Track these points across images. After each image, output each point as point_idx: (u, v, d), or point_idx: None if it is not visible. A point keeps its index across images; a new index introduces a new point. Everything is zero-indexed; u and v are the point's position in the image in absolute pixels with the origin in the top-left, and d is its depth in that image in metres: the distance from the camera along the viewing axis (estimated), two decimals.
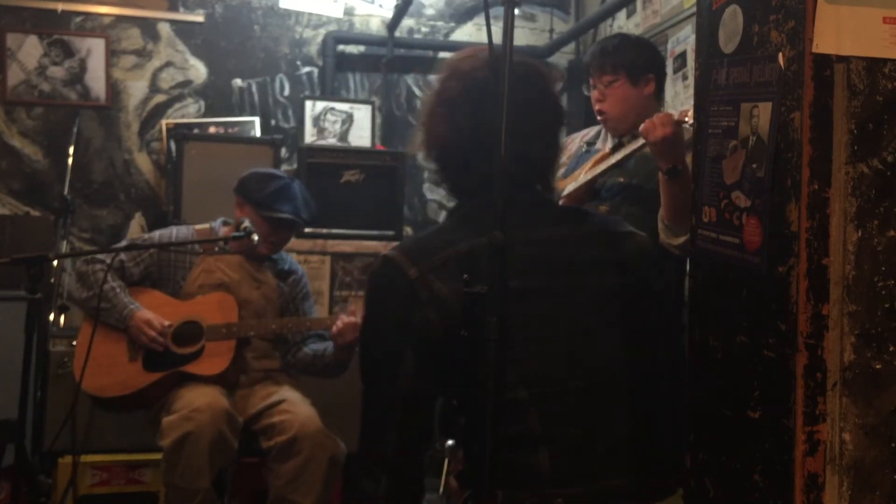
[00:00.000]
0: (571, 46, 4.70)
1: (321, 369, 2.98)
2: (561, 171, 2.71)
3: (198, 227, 3.07)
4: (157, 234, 3.04)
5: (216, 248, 2.95)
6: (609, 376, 1.49)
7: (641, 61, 2.55)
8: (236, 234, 2.80)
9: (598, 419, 1.47)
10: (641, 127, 2.20)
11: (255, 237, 2.82)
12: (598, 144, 2.67)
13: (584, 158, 2.63)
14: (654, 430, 1.52)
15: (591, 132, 2.76)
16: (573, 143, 2.78)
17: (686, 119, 2.10)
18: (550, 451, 1.42)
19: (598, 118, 2.57)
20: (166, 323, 2.80)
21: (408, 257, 1.49)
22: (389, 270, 1.49)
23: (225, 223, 3.04)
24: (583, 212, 1.71)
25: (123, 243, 2.98)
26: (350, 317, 2.81)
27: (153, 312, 2.81)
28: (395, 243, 3.94)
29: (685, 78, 3.55)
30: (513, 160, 1.51)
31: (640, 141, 2.26)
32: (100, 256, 2.88)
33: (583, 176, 2.47)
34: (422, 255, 1.49)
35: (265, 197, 2.89)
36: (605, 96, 2.52)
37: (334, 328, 2.82)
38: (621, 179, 2.45)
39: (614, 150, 2.49)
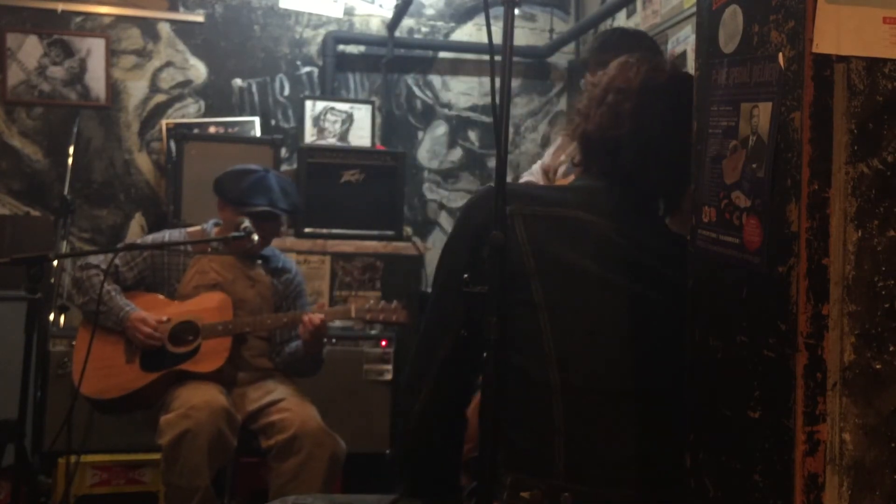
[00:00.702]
0: (571, 46, 4.71)
1: (301, 367, 3.00)
2: (562, 170, 2.71)
3: (189, 229, 3.09)
4: (149, 238, 3.06)
5: (209, 249, 2.96)
6: (645, 390, 1.47)
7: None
8: (236, 233, 2.80)
9: (623, 427, 1.44)
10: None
11: (255, 237, 2.82)
12: None
13: None
14: (674, 453, 1.50)
15: None
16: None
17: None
18: (567, 445, 1.40)
19: None
20: (163, 318, 2.81)
21: (510, 194, 1.48)
22: (484, 199, 1.50)
23: (216, 224, 3.04)
24: (679, 236, 1.72)
25: (119, 246, 3.00)
26: (316, 311, 2.84)
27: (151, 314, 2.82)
28: (395, 244, 3.96)
29: None
30: (658, 162, 1.55)
31: None
32: (94, 261, 2.89)
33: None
34: (524, 198, 1.50)
35: (240, 194, 2.89)
36: None
37: (302, 321, 2.84)
38: None
39: None
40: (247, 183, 2.91)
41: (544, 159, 2.88)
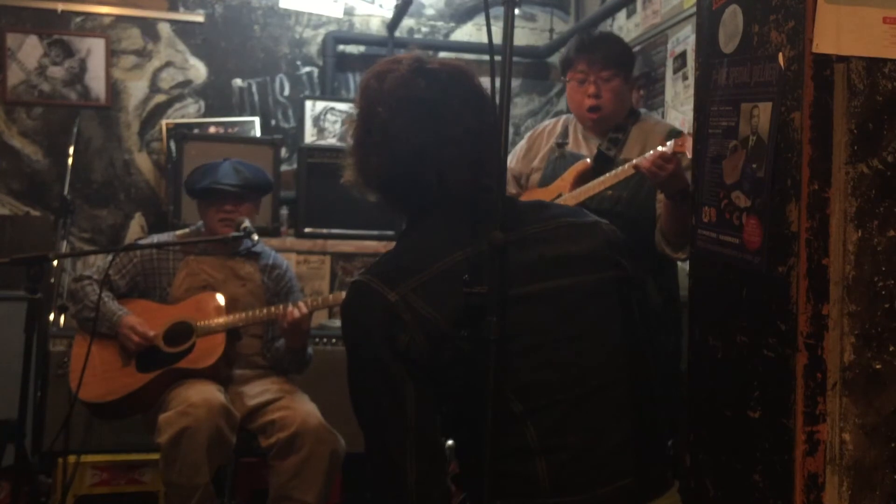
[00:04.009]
0: None
1: (286, 363, 3.00)
2: (537, 177, 2.68)
3: (178, 232, 3.11)
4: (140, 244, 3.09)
5: (197, 250, 2.98)
6: (605, 378, 1.45)
7: (631, 62, 2.61)
8: (236, 233, 2.81)
9: (598, 423, 1.43)
10: (646, 170, 2.17)
11: (255, 237, 2.83)
12: (571, 145, 2.66)
13: (559, 165, 2.60)
14: (649, 423, 1.49)
15: (556, 127, 2.72)
16: (541, 140, 2.73)
17: (684, 150, 2.10)
18: (548, 462, 1.38)
19: (589, 114, 2.54)
20: (150, 333, 2.81)
21: (383, 280, 1.41)
22: (365, 297, 1.42)
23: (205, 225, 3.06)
24: (543, 205, 1.64)
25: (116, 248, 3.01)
26: (296, 308, 2.80)
27: (144, 320, 2.83)
28: (395, 243, 3.94)
29: (685, 78, 3.55)
30: (467, 165, 1.47)
31: (631, 171, 2.26)
32: (86, 273, 2.93)
33: (568, 195, 2.45)
34: (398, 276, 1.41)
35: (192, 182, 2.97)
36: (601, 91, 2.51)
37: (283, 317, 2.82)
38: (610, 192, 2.43)
39: (599, 162, 2.48)
40: (198, 173, 2.99)
41: (511, 165, 2.80)
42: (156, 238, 3.05)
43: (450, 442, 2.14)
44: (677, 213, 2.19)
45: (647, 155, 2.19)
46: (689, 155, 2.06)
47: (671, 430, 1.51)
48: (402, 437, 1.39)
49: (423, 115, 1.48)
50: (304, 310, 2.79)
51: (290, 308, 2.79)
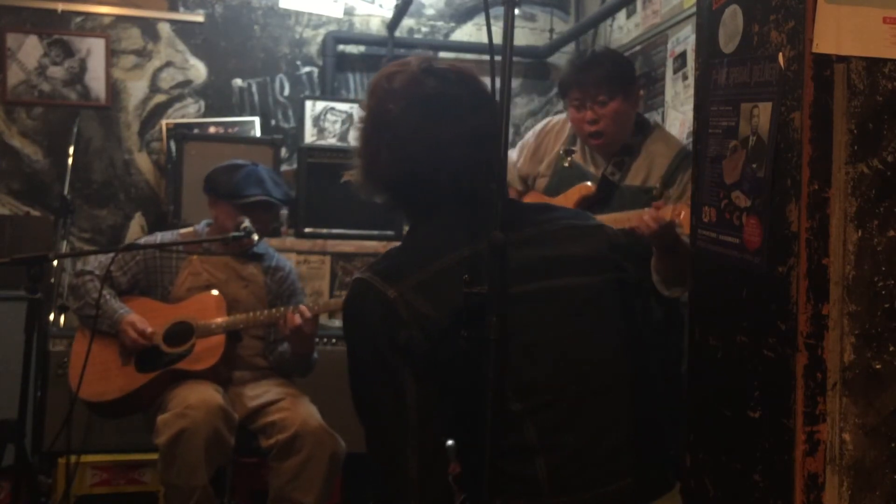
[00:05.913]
0: (571, 46, 4.71)
1: (290, 367, 3.00)
2: (543, 183, 2.66)
3: (182, 231, 3.09)
4: (142, 241, 3.08)
5: (200, 250, 2.96)
6: (605, 378, 1.46)
7: (630, 76, 2.56)
8: (236, 233, 2.80)
9: (598, 424, 1.44)
10: (638, 226, 2.12)
11: (256, 237, 2.82)
12: (578, 155, 2.63)
13: (564, 176, 2.57)
14: (650, 425, 1.50)
15: (564, 128, 2.69)
16: (548, 140, 2.71)
17: (679, 219, 2.02)
18: (548, 461, 1.39)
19: (591, 139, 2.52)
20: (149, 330, 2.80)
21: (383, 278, 1.42)
22: (365, 293, 1.42)
23: (208, 224, 3.04)
24: (547, 207, 1.66)
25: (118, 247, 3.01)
26: (301, 311, 2.76)
27: (144, 318, 2.83)
28: (395, 243, 3.94)
29: (685, 78, 3.55)
30: (475, 164, 1.48)
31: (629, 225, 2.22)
32: (88, 268, 2.92)
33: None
34: (398, 274, 1.42)
35: (234, 186, 2.89)
36: (600, 117, 2.48)
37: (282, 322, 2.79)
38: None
39: (602, 187, 2.45)
40: (239, 176, 2.91)
41: (519, 164, 2.77)
42: (159, 236, 3.04)
43: (450, 442, 2.13)
44: (664, 263, 2.17)
45: (644, 215, 2.12)
46: (685, 228, 2.00)
47: (674, 432, 1.51)
48: (403, 432, 1.39)
49: (433, 112, 1.49)
50: (308, 314, 2.76)
51: (291, 313, 2.77)
